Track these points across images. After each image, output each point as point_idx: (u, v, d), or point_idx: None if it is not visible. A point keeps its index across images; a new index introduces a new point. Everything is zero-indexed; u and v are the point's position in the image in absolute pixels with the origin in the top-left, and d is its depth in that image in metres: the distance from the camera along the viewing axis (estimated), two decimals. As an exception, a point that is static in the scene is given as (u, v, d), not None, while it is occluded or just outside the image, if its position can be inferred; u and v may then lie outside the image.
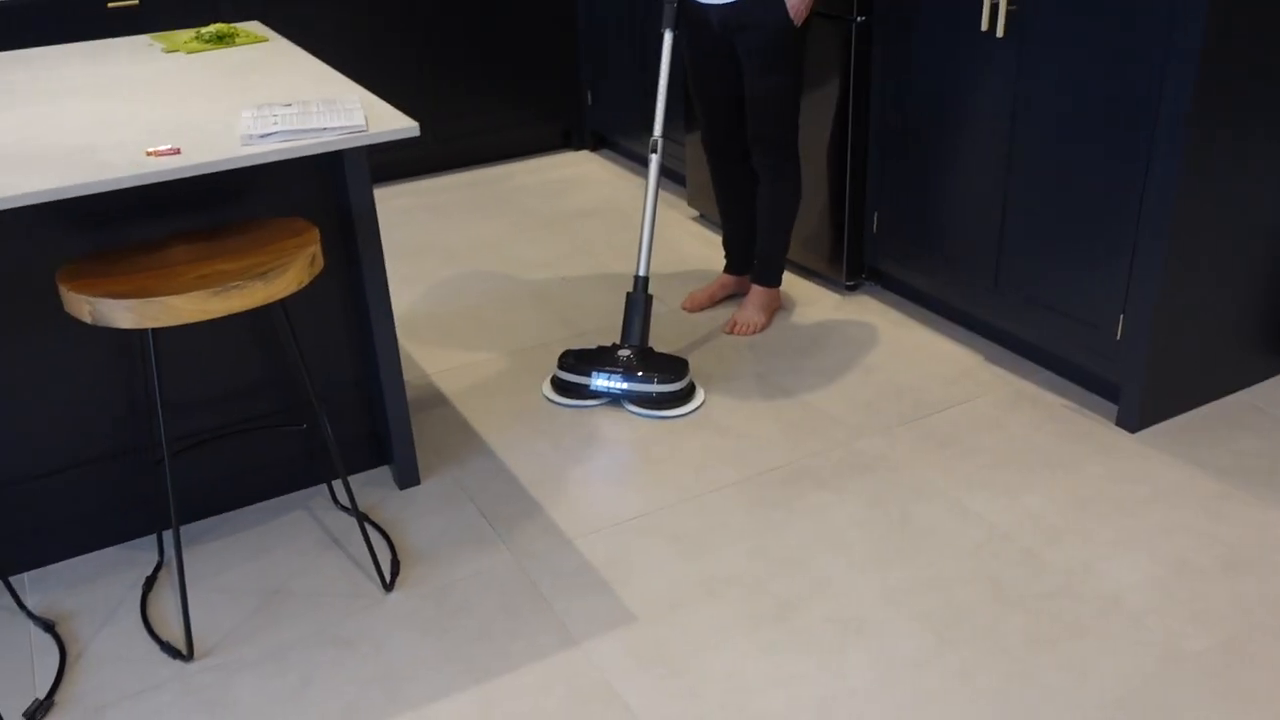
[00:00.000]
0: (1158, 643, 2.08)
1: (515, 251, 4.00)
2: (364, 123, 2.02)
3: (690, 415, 2.90)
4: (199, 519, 2.55)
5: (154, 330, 2.04)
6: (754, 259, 3.35)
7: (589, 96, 4.97)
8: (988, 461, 2.66)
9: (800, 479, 2.62)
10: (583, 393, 2.96)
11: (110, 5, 3.95)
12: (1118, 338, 2.72)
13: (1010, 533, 2.40)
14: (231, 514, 2.57)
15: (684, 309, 3.49)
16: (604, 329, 3.39)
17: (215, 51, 2.72)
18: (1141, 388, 2.69)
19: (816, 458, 2.70)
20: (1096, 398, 2.91)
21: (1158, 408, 2.76)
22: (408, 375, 3.16)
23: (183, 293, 1.88)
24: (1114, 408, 2.86)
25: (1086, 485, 2.55)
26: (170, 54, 2.74)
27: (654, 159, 3.01)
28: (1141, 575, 2.26)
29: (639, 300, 3.01)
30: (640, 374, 2.91)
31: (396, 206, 4.50)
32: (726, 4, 2.93)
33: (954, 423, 2.83)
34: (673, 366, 2.94)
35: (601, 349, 3.01)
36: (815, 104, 3.38)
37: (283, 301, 2.07)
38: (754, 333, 3.32)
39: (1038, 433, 2.77)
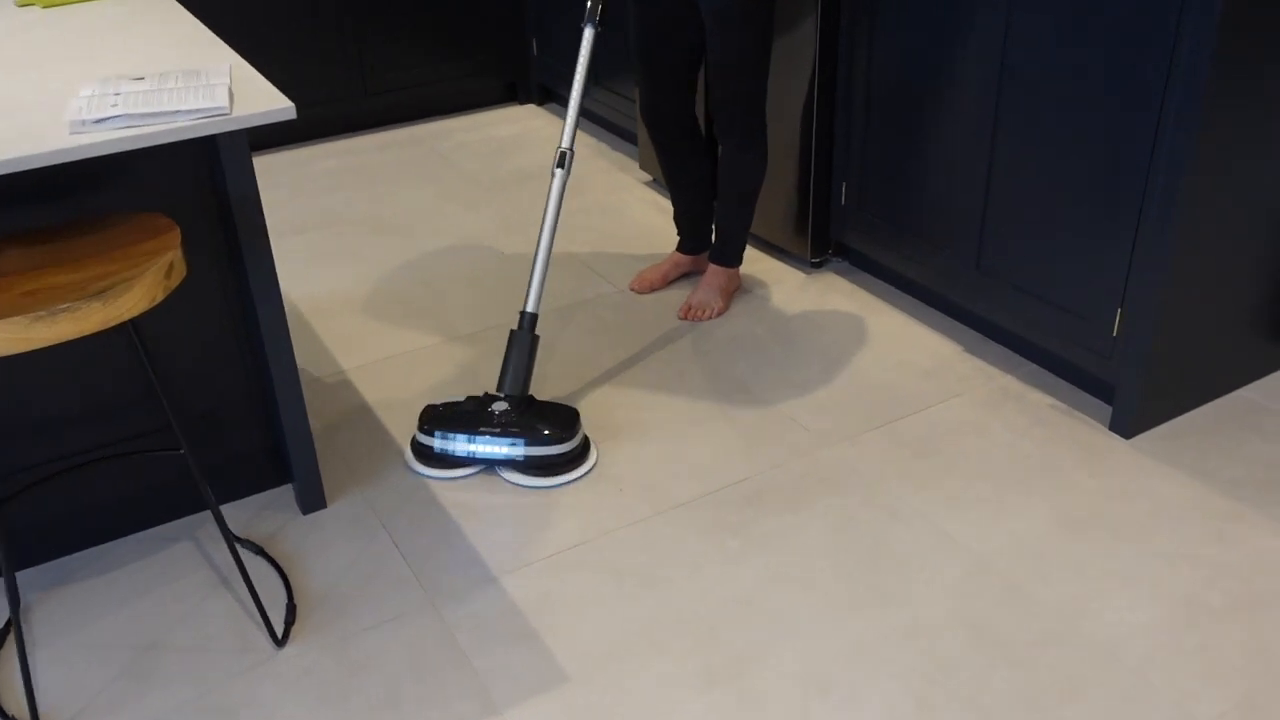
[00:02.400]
0: (1164, 704, 1.81)
1: (451, 221, 3.64)
2: (226, 104, 1.66)
3: (584, 477, 2.38)
4: (69, 553, 2.21)
5: (-24, 356, 1.69)
6: (712, 236, 3.02)
7: (534, 46, 4.57)
8: (968, 474, 2.36)
9: (760, 497, 2.32)
10: (449, 461, 2.40)
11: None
12: (1114, 334, 2.42)
13: (994, 564, 2.12)
14: (109, 545, 2.24)
15: (633, 290, 3.15)
16: (546, 312, 3.05)
17: (77, 5, 2.32)
18: (1139, 390, 2.40)
19: (778, 470, 2.40)
20: (1087, 396, 2.62)
21: (1156, 410, 2.47)
22: (321, 372, 2.82)
23: (1, 317, 1.53)
24: (1107, 409, 2.57)
25: (1078, 503, 2.27)
26: (24, 8, 2.34)
27: (559, 175, 2.45)
28: (1143, 617, 1.99)
29: (523, 341, 2.41)
30: (516, 435, 2.35)
31: (321, 169, 4.11)
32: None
33: (930, 426, 2.53)
34: (559, 419, 2.39)
35: (472, 400, 2.45)
36: (781, 61, 3.02)
37: (132, 321, 1.71)
38: (710, 318, 2.99)
39: (1023, 439, 2.47)
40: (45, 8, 2.34)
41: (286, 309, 3.11)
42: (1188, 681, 1.85)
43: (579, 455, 2.41)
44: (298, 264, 3.39)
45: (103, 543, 2.24)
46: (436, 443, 2.38)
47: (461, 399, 2.51)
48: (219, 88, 1.70)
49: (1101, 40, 2.24)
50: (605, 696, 1.86)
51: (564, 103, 4.70)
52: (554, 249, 3.41)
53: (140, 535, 2.26)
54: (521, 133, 4.41)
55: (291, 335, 2.97)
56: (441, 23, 4.39)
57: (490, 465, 2.42)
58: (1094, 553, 2.14)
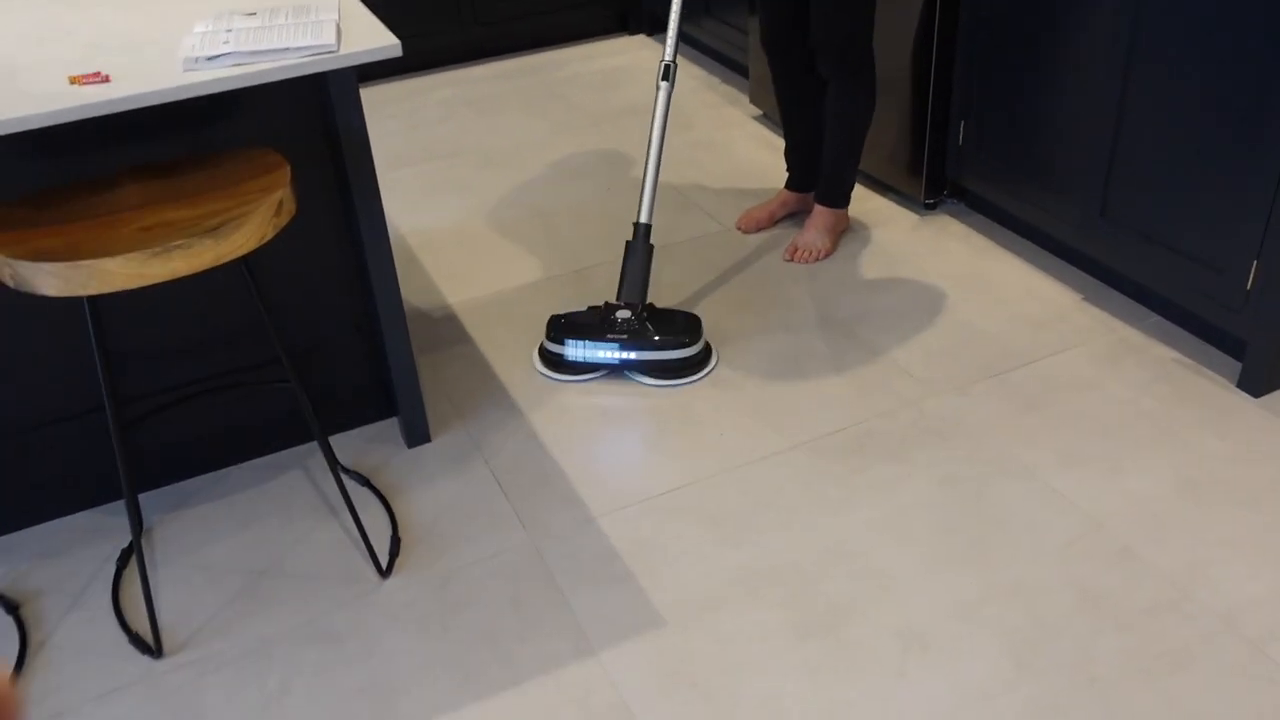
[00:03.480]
0: (1283, 679, 1.74)
1: (559, 154, 3.62)
2: (334, 41, 1.65)
3: (709, 376, 2.49)
4: (187, 478, 2.30)
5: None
6: (819, 175, 2.94)
7: (646, -26, 4.48)
8: (1082, 430, 2.28)
9: (863, 447, 2.27)
10: (579, 367, 2.51)
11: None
12: (1248, 287, 2.29)
13: (1106, 524, 2.05)
14: (225, 471, 2.32)
15: (739, 229, 3.10)
16: (649, 252, 3.02)
17: (194, -61, 2.34)
18: (1272, 347, 2.27)
19: (883, 419, 2.35)
20: (1214, 351, 2.49)
21: (1290, 369, 2.34)
22: (428, 305, 2.85)
23: (117, 253, 1.57)
24: (1236, 365, 2.44)
25: (1200, 465, 2.17)
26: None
27: (664, 88, 2.48)
28: (1263, 587, 1.90)
29: (639, 250, 2.50)
30: (646, 339, 2.46)
31: (435, 99, 4.12)
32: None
33: (1044, 379, 2.44)
34: (683, 326, 2.49)
35: (594, 310, 2.54)
36: (898, -7, 2.90)
37: (246, 256, 1.75)
38: (816, 259, 2.93)
39: (1144, 395, 2.37)
40: (164, -59, 2.36)
41: (396, 242, 3.15)
42: (1309, 657, 1.77)
43: (703, 359, 2.51)
44: (409, 196, 3.42)
45: (220, 469, 2.32)
46: (568, 350, 2.49)
47: (583, 309, 2.58)
48: (327, 25, 1.70)
49: (1252, -28, 2.09)
50: (700, 643, 1.86)
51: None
52: (665, 188, 3.37)
53: (256, 462, 2.34)
54: (632, 64, 4.35)
55: (400, 269, 3.01)
56: (553, -49, 4.34)
57: (616, 369, 2.52)
58: (1214, 518, 2.05)
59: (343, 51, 1.65)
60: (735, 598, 1.95)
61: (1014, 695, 1.74)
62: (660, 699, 1.77)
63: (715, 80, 4.15)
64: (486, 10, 4.32)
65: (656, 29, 4.63)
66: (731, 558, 2.03)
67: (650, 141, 2.51)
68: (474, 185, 3.46)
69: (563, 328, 2.50)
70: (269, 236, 1.68)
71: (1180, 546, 1.99)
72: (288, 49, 1.62)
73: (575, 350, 2.48)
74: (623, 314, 2.48)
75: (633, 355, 2.47)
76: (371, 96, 4.20)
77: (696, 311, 2.73)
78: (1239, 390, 2.37)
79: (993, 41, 2.76)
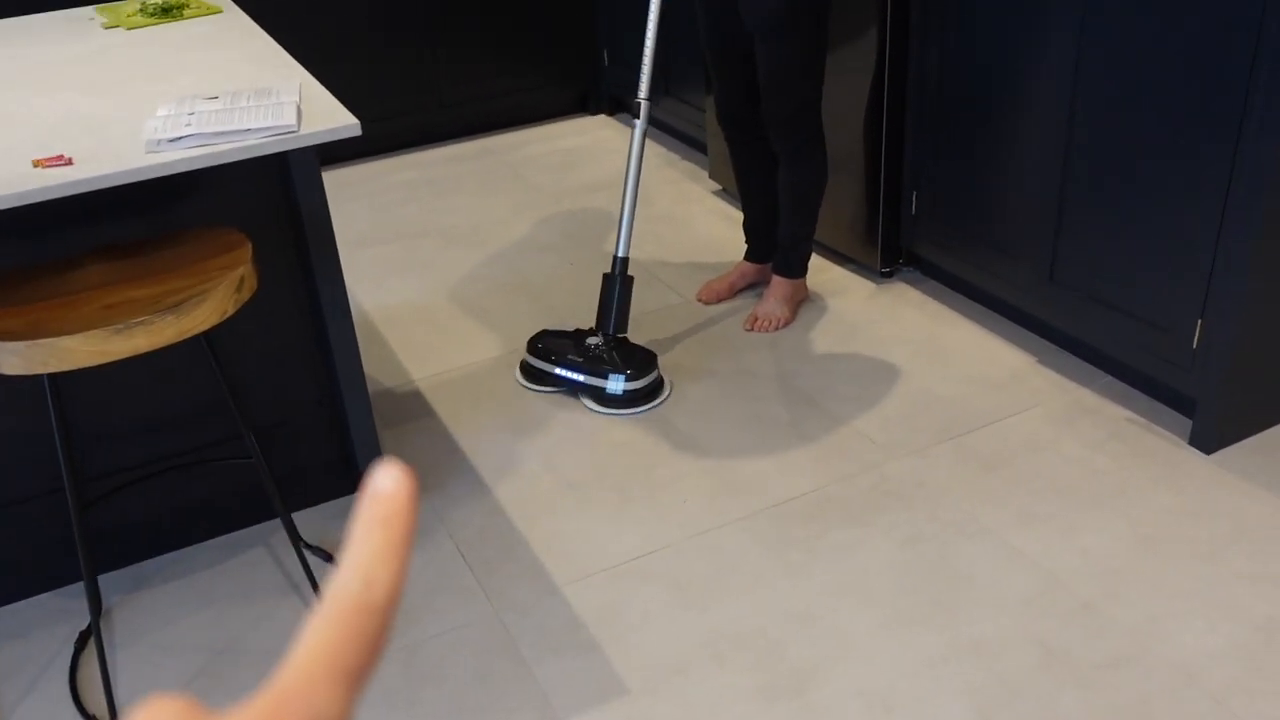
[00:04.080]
0: (1244, 730, 1.75)
1: (520, 232, 3.68)
2: (294, 122, 1.70)
3: (656, 409, 2.65)
4: (149, 557, 2.28)
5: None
6: (776, 246, 3.00)
7: (605, 57, 4.60)
8: (1039, 489, 2.32)
9: (824, 511, 2.30)
10: (544, 379, 2.75)
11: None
12: (1194, 345, 2.35)
13: (1065, 580, 2.07)
14: (188, 549, 2.30)
15: (700, 300, 3.15)
16: (611, 324, 3.06)
17: (158, 27, 2.40)
18: (1221, 404, 2.33)
19: (844, 484, 2.38)
20: (1167, 410, 2.55)
21: (1240, 425, 2.40)
22: (391, 382, 2.87)
23: (79, 331, 1.59)
24: (1187, 422, 2.50)
25: (1154, 520, 2.21)
26: (109, 30, 2.43)
27: (638, 124, 2.68)
28: (1221, 640, 1.92)
29: (614, 283, 2.71)
30: (600, 368, 2.65)
31: (398, 181, 4.19)
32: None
33: (1001, 440, 2.48)
34: (638, 361, 2.67)
35: (578, 332, 2.78)
36: (847, 65, 3.00)
37: (206, 333, 1.76)
38: (776, 329, 2.98)
39: (1098, 453, 2.42)
40: (129, 30, 2.42)
41: (361, 319, 3.18)
42: (1271, 709, 1.79)
43: (651, 392, 2.67)
44: (373, 275, 3.45)
45: (183, 547, 2.30)
46: (534, 361, 2.75)
47: (570, 329, 2.85)
48: (287, 106, 1.74)
49: (1181, 47, 2.19)
50: (666, 709, 1.86)
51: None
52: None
53: (219, 540, 2.32)
54: (591, 144, 4.44)
55: (365, 345, 3.03)
56: (513, 36, 4.45)
57: (572, 388, 2.72)
58: (1171, 572, 2.08)
59: (303, 131, 1.69)
60: (700, 663, 1.95)
61: (980, 753, 1.74)
62: (627, 768, 1.76)
63: (675, 157, 4.24)
64: (451, 92, 4.41)
65: (617, 109, 4.74)
66: (696, 623, 2.03)
67: (626, 177, 2.68)
68: (436, 263, 3.50)
69: (539, 340, 2.77)
70: (230, 312, 1.70)
71: (1137, 600, 2.02)
72: (249, 130, 1.66)
73: (539, 363, 2.73)
74: (593, 340, 2.70)
75: (580, 378, 2.67)
76: (336, 179, 4.25)
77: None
78: (1191, 447, 2.42)
79: (940, 113, 2.86)
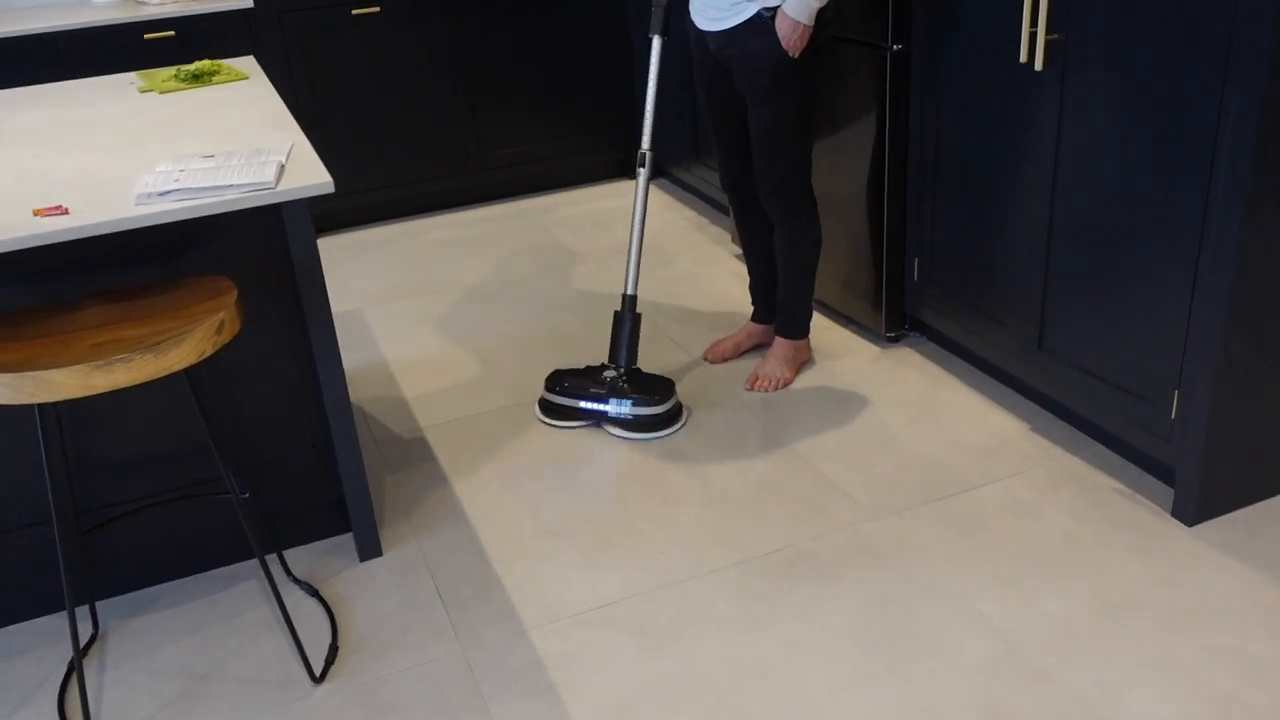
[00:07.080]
0: (1183, 801, 1.74)
1: (544, 290, 3.80)
2: (273, 179, 1.83)
3: (672, 439, 2.74)
4: (146, 585, 2.40)
5: (51, 402, 1.89)
6: (776, 309, 3.07)
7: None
8: (1013, 555, 2.33)
9: (796, 566, 2.34)
10: (568, 414, 2.91)
11: (147, 37, 3.90)
12: (1172, 416, 2.35)
13: (1022, 646, 2.08)
14: (185, 580, 2.43)
15: (706, 359, 3.23)
16: (616, 380, 3.15)
17: (187, 91, 2.58)
18: (1200, 474, 2.32)
19: (819, 541, 2.41)
20: (1153, 480, 2.54)
21: (1224, 498, 2.39)
22: (401, 428, 2.98)
23: (66, 365, 1.72)
24: (1171, 493, 2.49)
25: (1120, 588, 2.20)
26: (145, 94, 2.62)
27: (642, 173, 2.89)
28: (1172, 710, 1.91)
29: (624, 319, 2.92)
30: (623, 396, 2.84)
31: (434, 239, 4.36)
32: (718, 31, 2.68)
33: (982, 505, 2.50)
34: (657, 387, 2.86)
35: (590, 369, 2.95)
36: (851, 137, 3.08)
37: (190, 370, 1.89)
38: (776, 389, 3.04)
39: (1078, 522, 2.42)
40: (162, 94, 2.61)
41: (380, 369, 3.31)
42: (1210, 779, 1.77)
43: (671, 416, 2.86)
44: (397, 326, 3.59)
45: (180, 577, 2.42)
46: (555, 398, 2.92)
47: (581, 367, 3.02)
48: (270, 165, 1.88)
49: (1149, 124, 2.23)
50: (610, 752, 1.90)
51: (672, 179, 4.85)
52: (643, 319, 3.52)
53: (216, 572, 2.44)
54: (624, 207, 4.56)
55: (380, 393, 3.16)
56: (555, 101, 4.62)
57: (595, 419, 2.90)
58: (1130, 640, 2.07)
59: (280, 188, 1.82)
60: (650, 710, 1.99)
61: (911, 810, 1.76)
62: (564, 806, 1.81)
63: (704, 221, 4.35)
64: (492, 156, 4.59)
65: (656, 174, 4.87)
66: (652, 670, 2.08)
67: (632, 224, 2.91)
68: (458, 317, 3.63)
69: (557, 378, 2.93)
70: (208, 352, 1.83)
71: (1092, 666, 2.02)
72: (230, 185, 1.80)
73: (561, 399, 2.91)
74: (609, 373, 2.89)
75: (606, 408, 2.85)
76: (376, 236, 4.44)
77: (640, 449, 2.83)
78: (1172, 519, 2.41)
79: (937, 185, 2.92)
